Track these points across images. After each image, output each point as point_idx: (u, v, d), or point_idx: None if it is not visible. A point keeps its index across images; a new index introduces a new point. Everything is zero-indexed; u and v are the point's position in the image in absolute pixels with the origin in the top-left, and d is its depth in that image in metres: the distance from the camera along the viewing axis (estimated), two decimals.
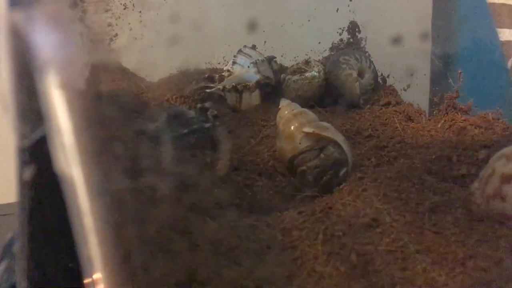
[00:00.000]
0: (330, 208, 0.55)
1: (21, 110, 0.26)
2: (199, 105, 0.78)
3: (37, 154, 0.26)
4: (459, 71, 0.76)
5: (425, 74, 0.95)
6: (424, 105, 0.89)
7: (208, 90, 0.80)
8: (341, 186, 0.61)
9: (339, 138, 0.64)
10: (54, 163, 0.24)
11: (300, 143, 0.64)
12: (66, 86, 0.23)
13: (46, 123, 0.24)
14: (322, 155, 0.62)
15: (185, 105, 0.81)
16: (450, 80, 0.79)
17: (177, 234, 0.39)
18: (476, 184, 0.51)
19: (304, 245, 0.50)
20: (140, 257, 0.27)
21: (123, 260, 0.24)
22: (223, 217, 0.54)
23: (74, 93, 0.24)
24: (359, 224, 0.51)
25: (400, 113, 0.83)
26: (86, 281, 0.24)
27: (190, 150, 0.67)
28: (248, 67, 0.83)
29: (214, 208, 0.55)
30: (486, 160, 0.58)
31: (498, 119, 0.69)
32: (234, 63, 0.83)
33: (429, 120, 0.79)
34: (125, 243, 0.26)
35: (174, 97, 0.83)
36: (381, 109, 0.86)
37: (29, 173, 0.26)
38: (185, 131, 0.72)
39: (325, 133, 0.64)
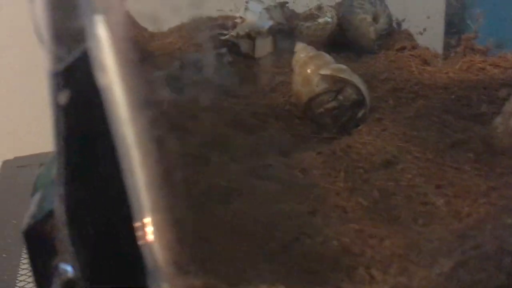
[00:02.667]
0: (350, 147, 0.55)
1: (56, 32, 0.26)
2: (214, 52, 0.77)
3: (71, 77, 0.26)
4: (478, 12, 0.74)
5: (440, 17, 0.93)
6: (439, 48, 0.87)
7: (221, 37, 0.79)
8: (359, 127, 0.60)
9: (357, 79, 0.63)
10: (96, 77, 0.23)
11: (317, 86, 0.64)
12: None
13: (87, 38, 0.24)
14: (339, 97, 0.62)
15: (199, 53, 0.80)
16: (469, 21, 0.77)
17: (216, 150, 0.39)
18: (499, 119, 0.50)
19: (326, 183, 0.50)
20: (182, 172, 0.27)
21: (165, 173, 0.24)
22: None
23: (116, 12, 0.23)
24: (380, 161, 0.52)
25: (416, 57, 0.81)
26: (136, 224, 0.24)
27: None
28: (260, 13, 0.81)
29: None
30: (506, 98, 0.57)
31: None
32: (246, 9, 0.81)
33: (446, 63, 0.78)
34: (167, 157, 0.26)
35: (186, 45, 0.82)
36: (396, 53, 0.84)
37: (63, 97, 0.26)
38: (199, 77, 0.72)
39: (342, 75, 0.63)
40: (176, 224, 0.24)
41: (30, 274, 0.67)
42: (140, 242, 0.27)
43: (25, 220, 0.32)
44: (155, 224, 0.24)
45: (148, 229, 0.25)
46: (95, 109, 0.25)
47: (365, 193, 0.48)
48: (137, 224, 0.25)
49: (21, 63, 1.02)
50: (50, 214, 0.30)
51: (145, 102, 0.24)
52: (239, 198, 0.39)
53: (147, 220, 0.27)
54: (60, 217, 0.28)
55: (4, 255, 0.70)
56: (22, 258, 0.69)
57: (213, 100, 0.63)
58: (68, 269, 0.31)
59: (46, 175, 0.34)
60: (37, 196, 0.33)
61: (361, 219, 0.45)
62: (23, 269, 0.68)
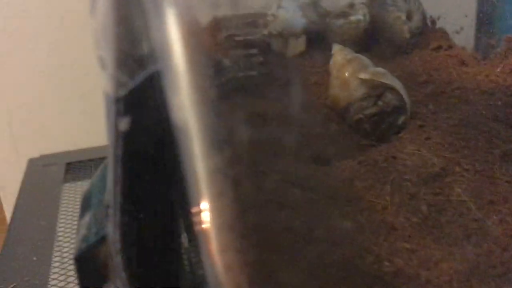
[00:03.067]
0: (394, 157, 0.53)
1: (120, 56, 0.24)
2: (243, 52, 0.75)
3: (133, 104, 0.24)
4: None
5: (473, 15, 0.90)
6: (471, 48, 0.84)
7: (251, 37, 0.77)
8: (400, 135, 0.58)
9: (397, 84, 0.61)
10: (169, 110, 0.22)
11: (355, 91, 0.62)
12: (185, 22, 0.21)
13: (160, 64, 0.22)
14: (380, 102, 0.60)
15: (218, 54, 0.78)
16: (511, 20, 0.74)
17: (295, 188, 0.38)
18: None
19: (370, 196, 0.49)
20: (257, 213, 0.25)
21: (239, 214, 0.22)
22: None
23: (193, 30, 0.22)
24: (428, 173, 0.49)
25: (453, 58, 0.79)
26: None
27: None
28: (294, 11, 0.79)
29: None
30: None
31: None
32: (279, 7, 0.79)
33: (485, 64, 0.75)
34: (242, 198, 0.25)
35: (214, 45, 0.80)
36: (432, 53, 0.81)
37: (124, 124, 0.25)
38: (226, 79, 0.70)
39: (382, 79, 0.61)
40: (247, 264, 0.23)
41: (61, 278, 0.67)
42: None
43: (77, 244, 0.31)
44: (226, 264, 0.22)
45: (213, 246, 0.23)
46: (156, 138, 0.23)
47: (414, 208, 0.46)
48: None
49: (48, 61, 1.01)
50: (102, 239, 0.29)
51: (223, 140, 0.22)
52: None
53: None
54: (114, 244, 0.27)
55: (34, 258, 0.69)
56: (52, 262, 0.69)
57: (242, 100, 0.61)
58: None
59: (93, 195, 0.33)
60: (87, 219, 0.32)
61: (411, 237, 0.43)
62: (54, 272, 0.67)
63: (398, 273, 0.39)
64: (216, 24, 0.87)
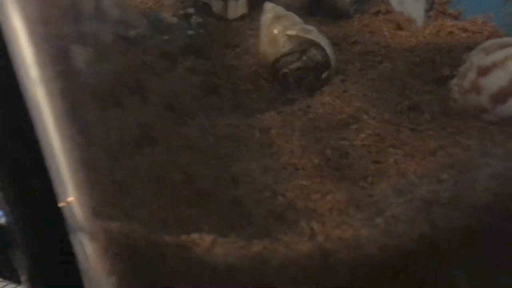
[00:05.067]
0: (309, 107, 0.55)
1: None
2: (181, 12, 0.76)
3: None
4: None
5: None
6: (419, 15, 0.86)
7: None
8: (322, 89, 0.60)
9: (323, 41, 0.63)
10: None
11: (283, 47, 0.63)
12: None
13: None
14: (304, 57, 0.62)
15: (169, 13, 0.79)
16: None
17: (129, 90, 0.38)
18: (455, 80, 0.50)
19: (281, 141, 0.51)
20: (92, 111, 0.27)
21: (76, 113, 0.24)
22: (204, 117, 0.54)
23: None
24: (336, 120, 0.52)
25: (390, 22, 0.80)
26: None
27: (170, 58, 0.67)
28: None
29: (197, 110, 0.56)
30: None
31: (487, 23, 0.68)
32: None
33: (420, 28, 0.77)
34: (74, 95, 0.26)
35: (156, 5, 0.81)
36: (371, 17, 0.83)
37: None
38: (166, 37, 0.71)
39: (308, 36, 0.62)
40: (93, 171, 0.24)
41: None
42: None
43: None
44: (70, 167, 0.24)
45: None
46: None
47: (318, 151, 0.48)
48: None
49: None
50: None
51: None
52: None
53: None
54: None
55: None
56: None
57: (175, 61, 0.62)
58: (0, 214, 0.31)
59: None
60: None
61: (311, 177, 0.45)
62: None
63: (289, 205, 0.41)
64: None
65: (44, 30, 0.26)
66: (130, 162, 0.33)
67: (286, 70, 0.62)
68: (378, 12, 0.84)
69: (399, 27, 0.79)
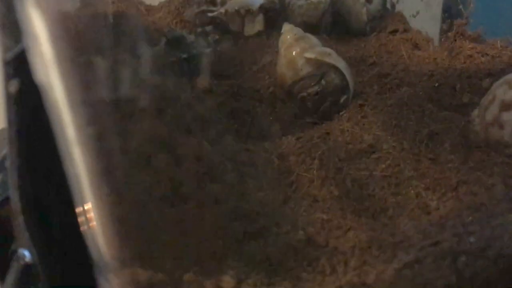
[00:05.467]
0: (328, 134, 0.55)
1: (2, 22, 0.25)
2: (199, 29, 0.76)
3: (20, 67, 0.26)
4: None
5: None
6: (434, 33, 0.86)
7: (210, 14, 0.78)
8: (341, 113, 0.60)
9: (341, 64, 0.62)
10: (34, 74, 0.23)
11: (301, 69, 0.63)
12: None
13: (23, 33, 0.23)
14: (322, 82, 0.61)
15: (186, 29, 0.79)
16: (461, 6, 0.76)
17: (160, 149, 0.39)
18: (476, 111, 0.50)
19: (300, 170, 0.51)
20: (123, 170, 0.27)
21: (106, 171, 0.24)
22: (219, 142, 0.54)
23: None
24: (356, 150, 0.52)
25: (407, 41, 0.80)
26: (77, 209, 0.25)
27: (188, 76, 0.67)
28: None
29: (214, 135, 0.56)
30: (490, 88, 0.57)
31: (507, 47, 0.67)
32: None
33: (437, 48, 0.77)
34: (108, 155, 0.26)
35: (174, 21, 0.81)
36: (388, 36, 0.83)
37: (13, 86, 0.26)
38: (184, 56, 0.71)
39: (327, 59, 0.62)
40: (118, 221, 0.25)
41: None
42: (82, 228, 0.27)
43: None
44: (97, 218, 0.24)
45: (91, 216, 0.25)
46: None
47: (338, 182, 0.48)
48: (78, 210, 0.25)
49: None
50: (6, 200, 0.30)
51: (83, 99, 0.23)
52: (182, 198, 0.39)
53: (88, 206, 0.27)
54: (15, 204, 0.28)
55: None
56: None
57: (192, 81, 0.63)
58: (25, 253, 0.31)
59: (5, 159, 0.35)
60: None
61: (330, 209, 0.45)
62: None
63: (309, 241, 0.41)
64: (184, 0, 0.88)
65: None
66: (160, 217, 0.33)
67: (304, 94, 0.62)
68: (396, 30, 0.84)
69: (417, 47, 0.79)
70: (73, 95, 0.23)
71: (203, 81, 0.64)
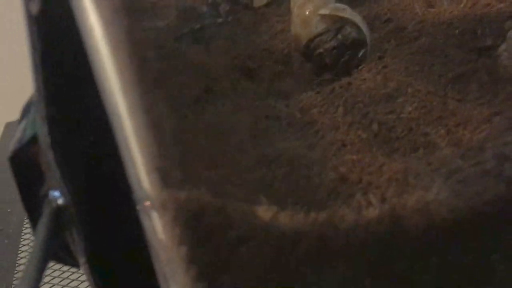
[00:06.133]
0: (349, 84, 0.54)
1: None
2: (209, 0, 0.75)
3: None
4: None
5: None
6: None
7: None
8: (360, 67, 0.59)
9: (357, 18, 0.61)
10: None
11: (316, 27, 0.62)
12: None
13: None
14: (339, 36, 0.60)
15: (196, 1, 0.78)
16: None
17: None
18: (503, 46, 0.49)
19: (324, 119, 0.49)
20: (156, 67, 0.26)
21: (140, 72, 0.23)
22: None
23: None
24: (380, 95, 0.50)
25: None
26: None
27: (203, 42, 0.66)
28: None
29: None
30: None
31: None
32: None
33: (451, 3, 0.75)
34: (142, 51, 0.25)
35: None
36: None
37: (35, 5, 0.25)
38: (197, 26, 0.70)
39: (342, 14, 0.61)
40: (157, 128, 0.24)
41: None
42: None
43: (11, 147, 0.32)
44: (135, 128, 0.23)
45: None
46: (70, 20, 0.24)
47: (364, 126, 0.47)
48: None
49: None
50: (34, 138, 0.30)
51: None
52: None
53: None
54: (44, 138, 0.27)
55: (8, 210, 0.70)
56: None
57: (209, 47, 0.62)
58: (57, 196, 0.30)
59: (31, 103, 0.34)
60: (23, 123, 0.33)
61: (359, 151, 0.44)
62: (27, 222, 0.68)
63: (341, 179, 0.39)
64: None
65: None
66: (195, 120, 0.32)
67: (321, 50, 0.60)
68: None
69: (430, 5, 0.78)
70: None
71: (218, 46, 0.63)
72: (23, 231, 0.66)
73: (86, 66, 0.24)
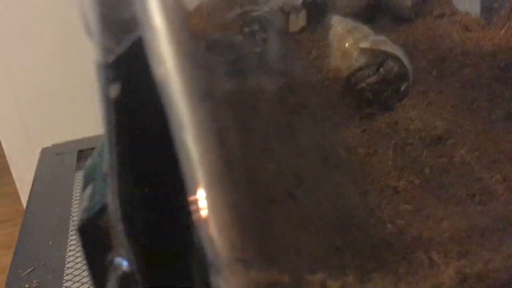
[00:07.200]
0: (396, 123, 0.53)
1: (105, 23, 0.25)
2: (246, 29, 0.75)
3: (122, 69, 0.25)
4: None
5: None
6: (476, 12, 0.83)
7: (253, 14, 0.77)
8: (403, 102, 0.58)
9: (399, 51, 0.61)
10: (152, 70, 0.22)
11: (356, 60, 0.61)
12: None
13: (140, 27, 0.23)
14: (381, 70, 0.60)
15: (229, 32, 0.78)
16: None
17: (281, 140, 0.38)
18: None
19: (373, 162, 0.49)
20: (244, 163, 0.26)
21: (226, 169, 0.23)
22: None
23: None
24: (430, 137, 0.50)
25: (457, 24, 0.77)
26: (190, 198, 0.24)
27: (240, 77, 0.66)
28: None
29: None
30: None
31: None
32: None
33: (489, 28, 0.74)
34: (228, 150, 0.25)
35: (209, 25, 0.80)
36: (435, 21, 0.80)
37: (114, 90, 0.25)
38: (233, 58, 0.70)
39: (383, 47, 0.61)
40: (239, 220, 0.23)
41: (77, 260, 0.68)
42: (194, 218, 0.26)
43: (79, 216, 0.32)
44: (217, 222, 0.23)
45: (202, 205, 0.24)
46: (148, 102, 0.24)
47: (416, 171, 0.46)
48: (192, 205, 0.24)
49: (56, 50, 1.02)
50: (103, 208, 0.30)
51: (204, 93, 0.23)
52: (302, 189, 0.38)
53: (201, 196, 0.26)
54: (114, 211, 0.27)
55: (50, 243, 0.71)
56: (68, 245, 0.70)
57: (251, 80, 0.61)
58: (123, 263, 0.30)
59: (94, 168, 0.34)
60: (89, 190, 0.33)
61: (414, 199, 0.43)
62: (70, 256, 0.69)
63: (401, 233, 0.39)
64: (227, 1, 0.87)
65: None
66: (281, 212, 0.32)
67: (363, 85, 0.60)
68: (443, 14, 0.81)
69: (468, 29, 0.77)
70: (192, 88, 0.22)
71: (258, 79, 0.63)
72: (66, 265, 0.67)
73: (161, 147, 0.25)
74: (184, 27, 0.22)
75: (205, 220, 0.24)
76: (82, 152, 0.94)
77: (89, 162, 0.36)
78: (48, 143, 0.97)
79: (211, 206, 0.23)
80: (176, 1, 0.22)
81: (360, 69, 0.60)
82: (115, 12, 0.24)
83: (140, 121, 0.25)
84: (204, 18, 0.87)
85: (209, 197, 0.23)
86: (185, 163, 0.23)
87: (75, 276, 0.64)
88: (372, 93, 0.60)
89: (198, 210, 0.24)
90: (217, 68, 0.33)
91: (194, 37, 0.80)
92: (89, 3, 0.24)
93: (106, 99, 0.25)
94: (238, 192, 0.24)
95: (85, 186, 0.34)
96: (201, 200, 0.23)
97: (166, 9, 0.22)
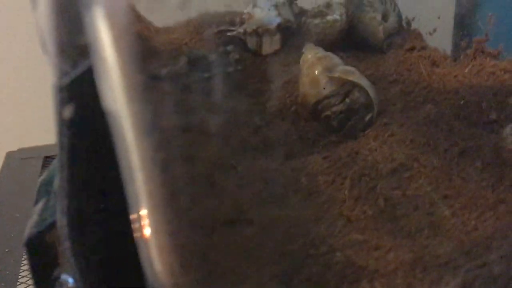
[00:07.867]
0: (356, 153, 0.55)
1: (61, 46, 0.25)
2: (221, 49, 0.76)
3: (76, 92, 0.25)
4: (490, 14, 0.73)
5: (450, 17, 0.92)
6: (448, 49, 0.86)
7: (229, 33, 0.78)
8: (366, 132, 0.60)
9: (365, 82, 0.62)
10: (101, 100, 0.23)
11: (324, 88, 0.63)
12: (113, 18, 0.22)
13: (91, 57, 0.23)
14: (347, 100, 0.61)
15: (204, 49, 0.79)
16: (479, 23, 0.76)
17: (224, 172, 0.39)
18: (508, 130, 0.50)
19: (331, 190, 0.50)
20: (187, 194, 0.26)
21: (170, 198, 0.24)
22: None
23: (121, 26, 0.23)
24: (387, 169, 0.51)
25: (425, 58, 0.80)
26: (132, 216, 0.24)
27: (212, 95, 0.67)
28: (269, 9, 0.80)
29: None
30: None
31: None
32: (254, 5, 0.80)
33: (456, 65, 0.77)
34: (172, 181, 0.26)
35: (193, 41, 0.81)
36: (405, 54, 0.83)
37: (68, 111, 0.26)
38: (207, 75, 0.71)
39: (350, 77, 0.62)
40: (180, 246, 0.24)
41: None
42: (137, 237, 0.26)
43: (27, 230, 0.32)
44: (158, 246, 0.23)
45: (147, 230, 0.24)
46: (99, 126, 0.24)
47: (371, 202, 0.47)
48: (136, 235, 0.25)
49: (24, 55, 1.02)
50: (53, 224, 0.30)
51: (151, 126, 0.23)
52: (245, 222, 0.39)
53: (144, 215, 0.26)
54: (62, 229, 0.28)
55: (6, 250, 0.70)
56: (24, 254, 0.69)
57: (218, 99, 0.62)
58: (69, 280, 0.30)
59: (48, 183, 0.34)
60: (40, 205, 0.33)
61: (365, 229, 0.44)
62: (25, 264, 0.68)
63: (348, 263, 0.40)
64: (203, 21, 0.88)
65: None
66: (222, 241, 0.33)
67: (328, 113, 0.61)
68: (413, 48, 0.84)
69: (435, 64, 0.79)
70: (141, 121, 0.23)
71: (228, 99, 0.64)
72: (20, 274, 0.66)
73: (110, 168, 0.25)
74: (134, 56, 0.23)
75: (146, 243, 0.24)
76: (48, 158, 0.93)
77: (43, 176, 0.36)
78: (14, 147, 0.96)
79: (153, 231, 0.24)
80: (128, 29, 0.23)
81: (327, 97, 0.62)
82: (72, 35, 0.25)
83: (90, 143, 0.26)
84: (189, 33, 0.88)
85: (151, 222, 0.24)
86: (130, 187, 0.24)
87: (29, 285, 0.63)
88: (337, 121, 0.61)
89: (140, 230, 0.25)
90: (165, 101, 0.34)
91: (173, 51, 0.80)
92: (46, 25, 0.25)
93: (59, 119, 0.26)
94: (180, 220, 0.24)
95: (37, 199, 0.34)
96: (144, 222, 0.24)
97: (115, 39, 0.22)
